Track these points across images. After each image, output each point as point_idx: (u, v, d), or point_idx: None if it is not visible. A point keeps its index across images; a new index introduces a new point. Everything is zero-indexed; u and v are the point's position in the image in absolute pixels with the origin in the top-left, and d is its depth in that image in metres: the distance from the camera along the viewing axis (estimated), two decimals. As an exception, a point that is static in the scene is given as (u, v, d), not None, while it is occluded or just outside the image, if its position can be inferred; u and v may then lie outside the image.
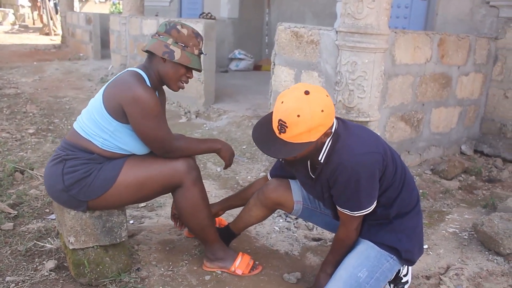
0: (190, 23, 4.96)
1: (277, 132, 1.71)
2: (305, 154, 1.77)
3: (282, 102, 1.68)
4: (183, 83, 2.13)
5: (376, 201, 1.86)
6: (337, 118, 1.88)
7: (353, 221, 1.90)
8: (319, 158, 1.82)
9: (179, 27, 2.03)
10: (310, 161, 1.95)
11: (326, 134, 1.75)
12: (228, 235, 2.42)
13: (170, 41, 2.02)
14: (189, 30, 2.04)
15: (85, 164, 2.01)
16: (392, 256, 1.92)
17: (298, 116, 1.63)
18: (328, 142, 1.80)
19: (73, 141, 2.05)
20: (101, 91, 2.05)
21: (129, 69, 2.08)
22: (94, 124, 2.00)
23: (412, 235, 1.94)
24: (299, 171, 2.06)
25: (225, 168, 2.34)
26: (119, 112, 1.96)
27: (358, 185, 1.76)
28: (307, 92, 1.66)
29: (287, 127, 1.66)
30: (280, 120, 1.67)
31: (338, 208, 1.89)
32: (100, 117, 1.98)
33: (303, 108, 1.63)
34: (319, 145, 1.78)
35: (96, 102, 2.02)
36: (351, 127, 1.87)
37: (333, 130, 1.80)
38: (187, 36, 2.03)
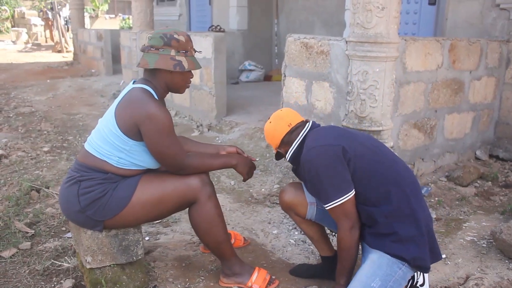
0: (200, 37, 5.01)
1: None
2: (290, 147, 2.11)
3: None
4: (188, 84, 2.19)
5: (349, 193, 1.92)
6: (313, 123, 2.16)
7: (342, 219, 1.95)
8: (286, 157, 2.13)
9: (176, 36, 2.04)
10: None
11: (295, 130, 2.10)
12: (330, 264, 2.32)
13: (173, 52, 2.03)
14: (184, 35, 2.07)
15: (100, 184, 2.03)
16: (404, 263, 1.90)
17: (268, 137, 2.19)
18: (295, 144, 2.09)
19: (86, 162, 2.07)
20: (111, 111, 2.05)
21: (134, 86, 2.07)
22: (109, 145, 2.02)
23: (421, 241, 1.89)
24: (295, 172, 2.27)
25: (244, 181, 2.35)
26: (134, 131, 1.98)
27: (318, 176, 1.93)
28: (270, 122, 2.20)
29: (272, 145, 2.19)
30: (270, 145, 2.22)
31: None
32: (115, 138, 1.99)
33: (268, 133, 2.21)
34: (294, 138, 2.11)
35: (108, 123, 2.03)
36: (322, 128, 2.15)
37: (302, 133, 2.10)
38: (185, 42, 2.07)
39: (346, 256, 1.99)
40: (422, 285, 2.05)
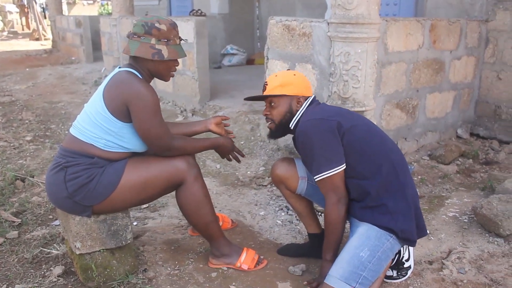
0: (181, 21, 4.96)
1: (262, 92, 2.21)
2: (283, 115, 2.15)
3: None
4: (173, 72, 2.19)
5: (339, 166, 1.97)
6: (316, 100, 2.21)
7: (329, 192, 2.01)
8: (290, 125, 2.16)
9: (157, 24, 2.04)
10: None
11: (297, 101, 2.14)
12: (318, 241, 2.35)
13: (153, 40, 2.03)
14: (167, 24, 2.06)
15: (87, 170, 2.03)
16: (392, 235, 1.96)
17: (276, 75, 2.20)
18: (298, 113, 2.14)
19: (72, 147, 2.07)
20: (98, 94, 2.05)
21: (120, 69, 2.09)
22: (97, 128, 2.02)
23: (408, 214, 1.97)
24: (294, 144, 2.25)
25: (225, 159, 2.43)
26: (122, 111, 1.99)
27: (311, 147, 1.99)
28: (289, 69, 2.16)
29: (267, 84, 2.19)
30: (265, 82, 2.21)
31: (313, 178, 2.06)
32: (103, 119, 2.00)
33: (280, 72, 2.23)
34: (293, 112, 2.15)
35: (96, 105, 2.03)
36: (322, 104, 2.21)
37: (304, 104, 2.15)
38: (167, 30, 2.05)
39: (333, 230, 2.03)
40: (408, 260, 2.12)
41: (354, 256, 1.91)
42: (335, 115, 2.03)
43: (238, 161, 2.42)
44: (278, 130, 2.20)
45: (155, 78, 2.20)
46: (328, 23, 3.13)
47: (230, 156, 2.39)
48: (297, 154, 3.47)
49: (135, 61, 2.09)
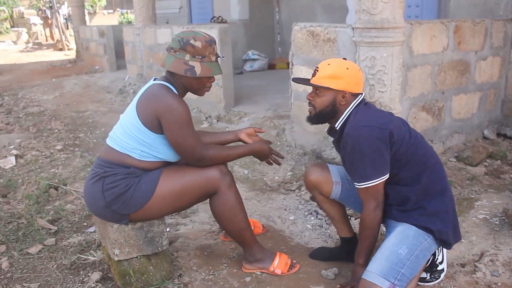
0: (204, 29, 5.04)
1: (311, 77, 2.12)
2: (325, 106, 2.08)
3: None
4: (208, 88, 2.22)
5: (384, 176, 1.98)
6: (365, 100, 2.13)
7: (369, 199, 2.02)
8: (335, 125, 2.11)
9: (192, 41, 2.07)
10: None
11: (343, 96, 2.05)
12: (350, 245, 2.40)
13: (187, 57, 2.07)
14: (202, 41, 2.08)
15: (124, 179, 2.09)
16: (429, 235, 2.00)
17: (328, 64, 2.08)
18: (346, 113, 2.07)
19: (109, 158, 2.14)
20: (132, 106, 2.12)
21: (154, 82, 2.15)
22: (131, 139, 2.09)
23: (445, 217, 2.02)
24: (335, 143, 2.25)
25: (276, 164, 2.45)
26: (155, 124, 2.05)
27: (361, 154, 1.96)
28: (345, 59, 2.11)
29: (317, 71, 2.09)
30: (316, 68, 2.11)
31: (354, 184, 2.05)
32: (137, 131, 2.06)
33: (334, 62, 2.09)
34: (337, 106, 2.07)
35: (130, 117, 2.10)
36: (372, 107, 2.13)
37: (353, 103, 2.08)
38: (202, 47, 2.08)
39: (368, 235, 2.06)
40: (441, 263, 2.13)
41: (392, 253, 1.92)
42: (387, 123, 2.00)
43: (278, 163, 2.43)
44: (317, 118, 2.14)
45: None
46: (353, 28, 3.15)
47: (270, 160, 2.41)
48: (326, 159, 3.50)
49: (171, 74, 2.15)
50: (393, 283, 1.86)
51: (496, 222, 2.79)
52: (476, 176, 3.48)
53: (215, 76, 2.19)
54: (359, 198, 2.21)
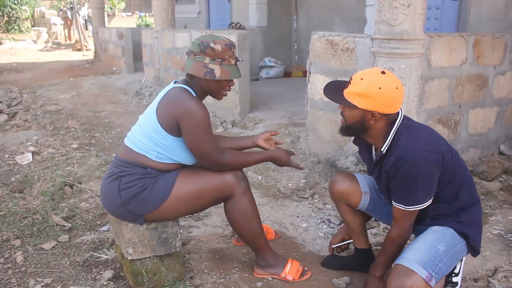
0: (223, 34, 5.08)
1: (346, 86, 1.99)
2: (354, 122, 1.97)
3: (365, 69, 2.03)
4: (226, 91, 2.24)
5: (431, 199, 1.96)
6: (405, 116, 2.02)
7: (407, 219, 1.99)
8: (382, 149, 1.98)
9: (212, 44, 2.09)
10: (374, 148, 2.13)
11: (374, 117, 1.92)
12: (364, 256, 2.40)
13: (207, 60, 2.09)
14: (222, 45, 2.10)
15: (140, 179, 2.12)
16: (463, 240, 2.00)
17: (361, 79, 1.91)
18: (392, 134, 1.95)
19: (127, 158, 2.17)
20: (152, 108, 2.15)
21: (175, 85, 2.17)
22: (149, 140, 2.11)
23: (476, 227, 2.04)
24: (363, 154, 2.21)
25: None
26: (173, 127, 2.07)
27: (416, 180, 1.89)
28: (383, 72, 1.92)
29: (350, 83, 1.95)
30: (351, 77, 1.98)
31: (394, 203, 1.99)
32: (155, 133, 2.09)
33: (368, 77, 1.91)
34: (366, 124, 1.95)
35: (149, 119, 2.13)
36: (417, 126, 2.02)
37: (396, 125, 1.95)
38: (222, 51, 2.10)
39: (394, 250, 2.05)
40: (457, 275, 2.13)
41: (431, 247, 1.91)
42: (440, 145, 1.95)
43: (301, 168, 2.41)
44: (347, 130, 2.06)
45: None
46: (372, 39, 3.17)
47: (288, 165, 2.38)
48: (340, 168, 3.50)
49: (190, 78, 2.18)
50: (430, 274, 1.84)
51: (510, 238, 2.77)
52: (491, 191, 3.46)
53: (234, 80, 2.21)
54: (386, 208, 2.22)
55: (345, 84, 2.00)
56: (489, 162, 3.80)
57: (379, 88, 1.86)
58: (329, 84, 2.10)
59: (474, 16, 4.84)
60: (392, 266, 1.95)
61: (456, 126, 3.81)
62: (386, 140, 1.96)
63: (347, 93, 1.95)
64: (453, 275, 2.10)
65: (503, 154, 4.26)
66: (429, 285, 1.83)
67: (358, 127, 1.99)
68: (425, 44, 3.19)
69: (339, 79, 3.47)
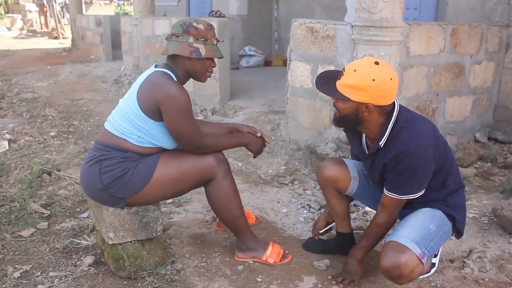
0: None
1: (338, 77, 1.94)
2: (347, 114, 1.93)
3: (357, 59, 1.95)
4: (210, 73, 2.24)
5: (424, 189, 2.00)
6: (401, 106, 2.00)
7: (397, 206, 2.03)
8: (379, 142, 1.96)
9: (195, 24, 2.12)
10: (365, 138, 2.11)
11: (368, 109, 1.88)
12: (346, 240, 2.42)
13: (191, 39, 2.10)
14: (204, 24, 2.14)
15: (121, 163, 2.11)
16: (450, 223, 2.06)
17: (354, 70, 1.86)
18: (390, 127, 1.93)
19: (107, 141, 2.16)
20: (133, 91, 2.13)
21: (155, 70, 2.16)
22: (129, 124, 2.10)
23: (461, 210, 2.10)
24: (354, 144, 2.20)
25: (254, 157, 2.44)
26: (154, 111, 2.06)
27: (414, 172, 1.91)
28: (376, 63, 1.86)
29: (343, 74, 1.90)
30: (343, 68, 1.92)
31: (386, 192, 2.01)
32: (136, 117, 2.08)
33: (361, 68, 1.86)
34: (360, 116, 1.91)
35: (130, 102, 2.12)
36: (416, 118, 1.99)
37: (394, 115, 1.93)
38: (205, 30, 2.13)
39: (378, 235, 2.10)
40: (436, 255, 2.20)
41: (424, 226, 1.96)
42: (438, 137, 1.97)
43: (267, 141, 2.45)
44: (341, 121, 2.02)
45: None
46: (352, 26, 3.19)
47: (257, 153, 2.42)
48: (320, 155, 3.52)
49: (173, 61, 2.17)
50: (423, 252, 1.89)
51: (485, 221, 2.85)
52: (466, 177, 3.54)
53: (214, 67, 2.23)
54: (374, 193, 2.26)
55: (337, 75, 1.95)
56: (465, 149, 3.89)
57: (373, 80, 1.81)
58: (320, 75, 2.04)
59: (452, 7, 4.91)
60: (384, 242, 1.99)
61: (433, 114, 3.88)
62: (384, 132, 1.94)
63: (340, 85, 1.90)
64: (433, 256, 2.16)
65: (478, 141, 4.36)
66: (422, 262, 1.88)
67: (352, 119, 1.95)
68: (404, 32, 3.22)
69: (319, 66, 3.51)
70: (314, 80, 2.03)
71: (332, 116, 2.10)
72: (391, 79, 1.85)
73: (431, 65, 3.68)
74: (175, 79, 2.13)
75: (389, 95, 1.88)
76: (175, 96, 2.03)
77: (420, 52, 3.54)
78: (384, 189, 2.02)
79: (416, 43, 3.47)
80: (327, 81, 1.98)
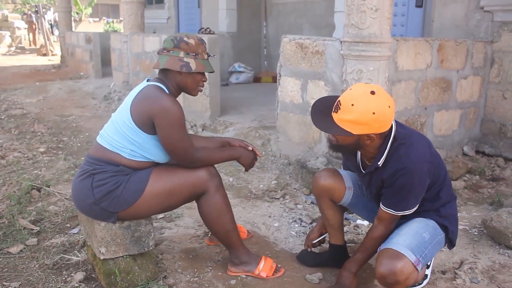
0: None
1: (333, 110, 1.92)
2: (347, 143, 1.95)
3: (351, 89, 1.92)
4: (201, 87, 2.26)
5: (418, 204, 2.03)
6: (396, 122, 2.01)
7: (393, 221, 2.05)
8: (378, 162, 1.98)
9: (186, 39, 2.14)
10: (361, 155, 2.12)
11: (370, 138, 1.89)
12: (340, 253, 2.43)
13: (182, 54, 2.13)
14: (195, 39, 2.17)
15: (113, 177, 2.11)
16: (443, 233, 2.08)
17: (352, 105, 1.83)
18: (388, 148, 1.95)
19: (99, 155, 2.15)
20: (126, 105, 2.14)
21: (148, 84, 2.17)
22: (122, 137, 2.10)
23: (453, 221, 2.13)
24: (350, 160, 2.22)
25: (246, 171, 2.45)
26: (148, 124, 2.07)
27: (411, 189, 1.94)
28: (372, 92, 1.83)
29: (339, 108, 1.88)
30: (339, 100, 1.89)
31: (382, 207, 2.03)
32: (129, 130, 2.08)
33: (359, 102, 1.82)
34: (361, 143, 1.93)
35: (123, 116, 2.12)
36: (412, 133, 2.01)
37: (392, 136, 1.95)
38: (195, 45, 2.15)
39: (373, 248, 2.10)
40: (428, 267, 2.21)
41: (418, 234, 1.97)
42: (433, 154, 2.00)
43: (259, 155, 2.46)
44: (339, 149, 2.07)
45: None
46: (341, 42, 3.24)
47: (248, 167, 2.43)
48: (310, 169, 3.54)
49: (164, 75, 2.19)
50: (418, 259, 1.90)
51: (475, 233, 2.88)
52: (456, 190, 3.58)
53: (204, 83, 2.25)
54: (369, 204, 2.29)
55: (330, 104, 1.95)
56: (453, 163, 3.94)
57: (373, 113, 1.81)
58: (314, 108, 2.02)
59: (438, 23, 5.01)
60: (379, 250, 2.00)
61: (422, 128, 3.93)
62: (382, 152, 1.96)
63: (339, 119, 1.88)
64: (426, 267, 2.18)
65: (466, 155, 4.42)
66: (417, 269, 1.89)
67: (352, 148, 2.00)
68: (392, 47, 3.28)
69: (308, 81, 3.55)
70: (311, 116, 2.01)
71: (327, 143, 2.08)
72: (389, 106, 1.85)
73: (419, 79, 3.74)
74: (167, 92, 2.15)
75: (389, 122, 1.90)
76: (169, 109, 2.04)
77: (408, 67, 3.61)
78: (381, 204, 2.05)
79: (404, 58, 3.53)
80: (323, 115, 1.97)
